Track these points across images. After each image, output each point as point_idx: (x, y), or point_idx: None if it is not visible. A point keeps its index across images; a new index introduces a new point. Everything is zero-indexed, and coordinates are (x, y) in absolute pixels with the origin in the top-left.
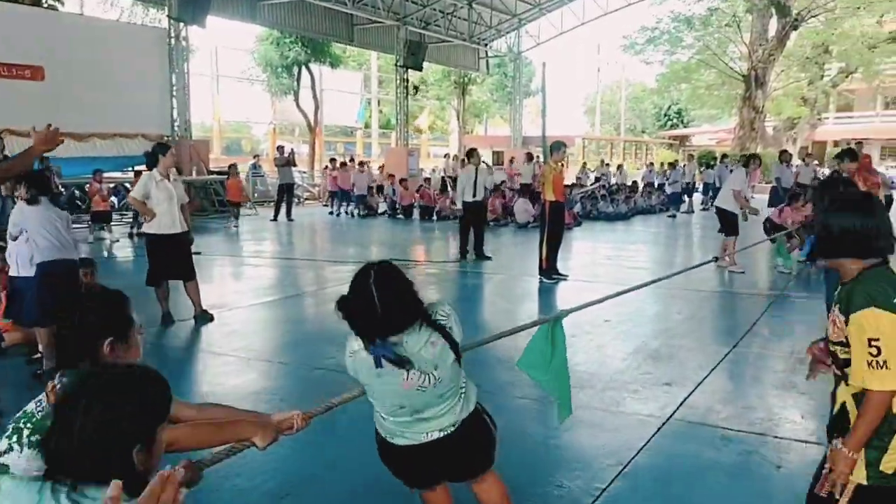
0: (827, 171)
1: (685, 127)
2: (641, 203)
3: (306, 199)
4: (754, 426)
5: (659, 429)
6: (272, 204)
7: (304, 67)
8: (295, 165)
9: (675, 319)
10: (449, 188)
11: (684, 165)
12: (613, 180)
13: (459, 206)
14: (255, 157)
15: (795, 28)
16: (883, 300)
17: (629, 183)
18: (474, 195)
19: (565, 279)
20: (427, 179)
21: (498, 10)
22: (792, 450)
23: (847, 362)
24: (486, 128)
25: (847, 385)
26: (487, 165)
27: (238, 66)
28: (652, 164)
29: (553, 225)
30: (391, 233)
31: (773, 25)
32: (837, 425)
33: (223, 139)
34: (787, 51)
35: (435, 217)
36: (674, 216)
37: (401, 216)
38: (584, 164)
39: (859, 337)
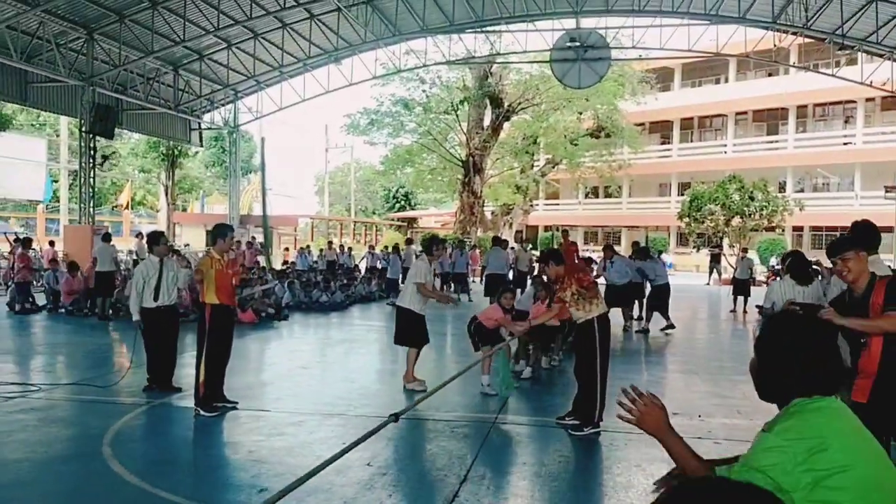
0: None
1: (412, 209)
2: (361, 289)
3: None
4: None
5: None
6: None
7: None
8: None
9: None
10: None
11: (404, 250)
12: (334, 261)
13: (136, 315)
14: None
15: (508, 119)
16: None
17: (353, 265)
18: (156, 298)
19: (235, 407)
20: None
21: (209, 80)
22: None
23: None
24: (202, 204)
25: None
26: (178, 253)
27: None
28: (373, 246)
29: (215, 335)
30: (40, 337)
31: (489, 115)
32: None
33: None
34: (501, 140)
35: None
36: (393, 304)
37: (63, 310)
38: (307, 246)
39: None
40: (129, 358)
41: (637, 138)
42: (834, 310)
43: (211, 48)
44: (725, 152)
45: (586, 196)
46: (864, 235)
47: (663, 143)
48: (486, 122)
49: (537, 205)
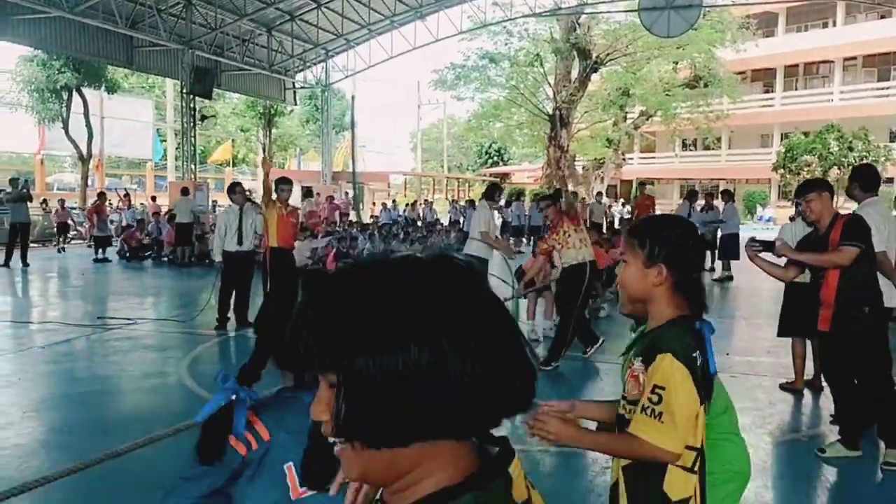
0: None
1: (505, 164)
2: (438, 241)
3: (72, 239)
4: None
5: None
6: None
7: (75, 92)
8: (30, 200)
9: None
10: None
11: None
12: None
13: (218, 257)
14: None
15: (595, 70)
16: (683, 351)
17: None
18: (239, 243)
19: None
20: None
21: (300, 40)
22: None
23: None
24: (299, 162)
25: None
26: (254, 203)
27: None
28: (455, 200)
29: (275, 273)
30: (140, 281)
31: (577, 68)
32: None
33: None
34: (589, 92)
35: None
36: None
37: (166, 258)
38: (392, 201)
39: (648, 381)
40: (207, 298)
41: (736, 87)
42: (787, 244)
43: (301, 9)
44: (831, 100)
45: (683, 149)
46: (864, 178)
47: (766, 92)
48: (574, 74)
49: (631, 158)
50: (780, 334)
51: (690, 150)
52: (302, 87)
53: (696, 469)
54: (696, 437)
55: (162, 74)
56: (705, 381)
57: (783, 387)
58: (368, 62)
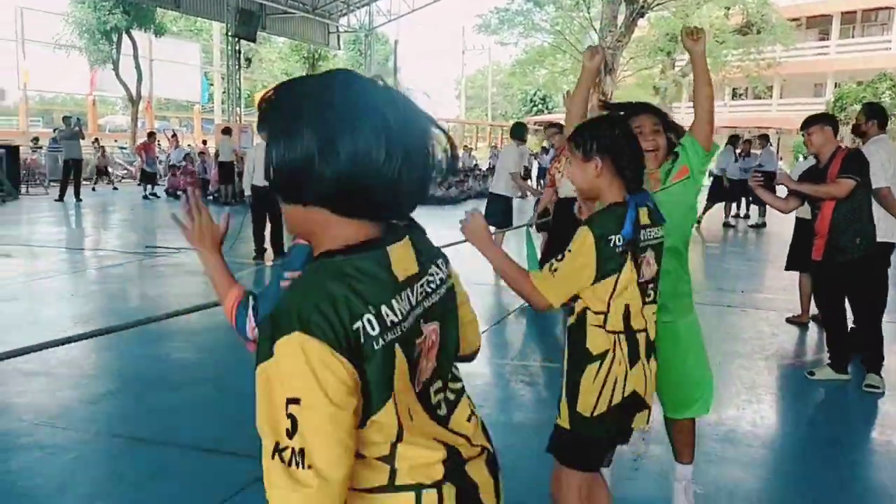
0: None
1: (550, 113)
2: (476, 186)
3: (122, 177)
4: None
5: None
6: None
7: (125, 34)
8: (83, 138)
9: None
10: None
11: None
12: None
13: (247, 191)
14: (54, 130)
15: (642, 15)
16: (600, 230)
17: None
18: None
19: None
20: None
21: None
22: None
23: None
24: None
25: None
26: None
27: (50, 31)
28: (496, 146)
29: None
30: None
31: (623, 12)
32: None
33: (32, 111)
34: (635, 38)
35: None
36: None
37: (210, 196)
38: None
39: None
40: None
41: (790, 34)
42: (787, 175)
43: None
44: (889, 48)
45: (733, 98)
46: (880, 115)
47: (821, 40)
48: (620, 20)
49: (678, 107)
50: (787, 268)
51: (742, 100)
52: (345, 31)
53: (607, 328)
54: (600, 300)
55: (208, 17)
56: (611, 261)
57: (789, 320)
58: (412, 6)
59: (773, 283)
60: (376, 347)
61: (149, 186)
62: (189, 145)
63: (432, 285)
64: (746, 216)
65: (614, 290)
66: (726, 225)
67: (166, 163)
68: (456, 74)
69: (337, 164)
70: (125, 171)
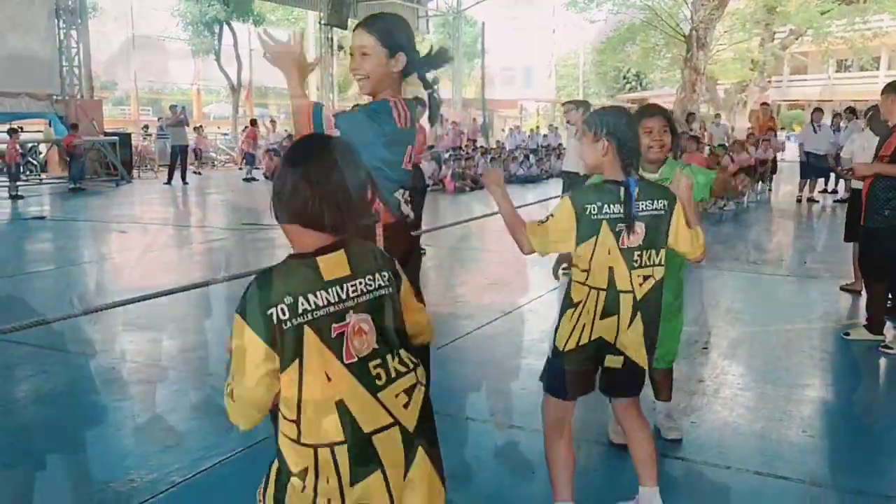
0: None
1: (643, 90)
2: (560, 165)
3: (225, 162)
4: None
5: None
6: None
7: (225, 25)
8: (187, 125)
9: None
10: None
11: None
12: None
13: None
14: (158, 118)
15: None
16: (581, 199)
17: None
18: None
19: None
20: None
21: None
22: None
23: None
24: None
25: None
26: None
27: (158, 25)
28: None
29: None
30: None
31: None
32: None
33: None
34: (730, 10)
35: None
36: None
37: None
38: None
39: None
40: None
41: None
42: (862, 165)
43: None
44: None
45: (838, 70)
46: None
47: None
48: None
49: (779, 81)
50: (846, 239)
51: (848, 72)
52: (434, 15)
53: (588, 284)
54: (583, 260)
55: (301, 6)
56: (588, 227)
57: (843, 288)
58: None
59: (842, 255)
60: (286, 328)
61: (249, 170)
62: (286, 130)
63: (368, 287)
64: (834, 191)
65: (593, 252)
66: (810, 200)
67: (265, 147)
68: (546, 54)
69: (302, 200)
70: (227, 157)
